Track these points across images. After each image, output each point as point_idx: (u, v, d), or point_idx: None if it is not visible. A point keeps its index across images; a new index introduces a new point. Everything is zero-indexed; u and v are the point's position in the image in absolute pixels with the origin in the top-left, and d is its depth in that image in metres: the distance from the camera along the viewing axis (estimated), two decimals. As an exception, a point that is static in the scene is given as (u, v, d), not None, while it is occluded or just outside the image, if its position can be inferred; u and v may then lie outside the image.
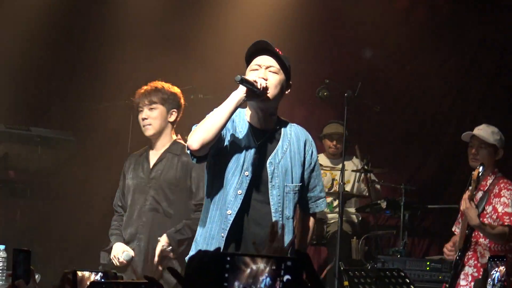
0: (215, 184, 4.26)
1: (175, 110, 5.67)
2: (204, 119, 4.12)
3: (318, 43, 8.59)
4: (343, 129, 6.73)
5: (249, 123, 4.27)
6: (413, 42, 8.54)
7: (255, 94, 4.07)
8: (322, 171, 7.38)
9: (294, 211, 4.31)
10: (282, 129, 4.33)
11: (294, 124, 4.43)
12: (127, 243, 5.56)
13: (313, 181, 4.44)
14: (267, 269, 2.30)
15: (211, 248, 4.15)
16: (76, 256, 7.85)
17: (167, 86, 5.74)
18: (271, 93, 4.11)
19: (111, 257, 5.55)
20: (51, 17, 8.64)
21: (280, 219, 4.21)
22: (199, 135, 4.08)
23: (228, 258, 2.28)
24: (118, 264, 5.49)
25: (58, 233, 8.21)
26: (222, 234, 4.12)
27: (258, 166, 4.26)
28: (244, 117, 4.29)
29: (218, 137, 4.13)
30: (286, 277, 2.29)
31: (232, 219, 4.13)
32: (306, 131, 4.45)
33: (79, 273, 3.01)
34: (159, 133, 5.68)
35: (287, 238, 4.06)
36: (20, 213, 8.16)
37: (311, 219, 4.51)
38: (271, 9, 8.33)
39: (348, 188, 7.41)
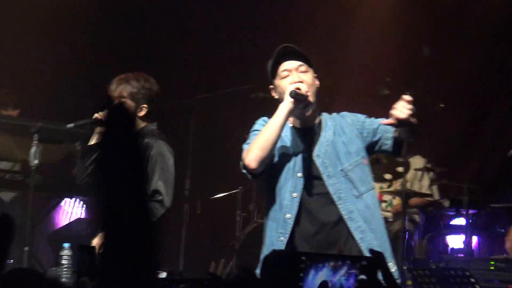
0: (271, 192, 4.30)
1: (145, 105, 5.68)
2: (256, 137, 4.17)
3: (379, 40, 8.65)
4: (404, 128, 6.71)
5: (293, 126, 4.34)
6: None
7: (301, 101, 4.12)
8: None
9: (367, 182, 4.28)
10: (323, 121, 4.38)
11: (334, 113, 4.48)
12: None
13: (381, 128, 4.34)
14: (342, 269, 2.37)
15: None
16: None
17: (141, 79, 5.75)
18: (310, 92, 4.19)
19: None
20: (111, 18, 8.89)
21: (347, 204, 4.20)
22: (256, 153, 4.14)
23: (303, 258, 2.34)
24: None
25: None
26: (282, 238, 4.15)
27: (309, 163, 4.29)
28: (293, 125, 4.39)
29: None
30: (361, 276, 2.37)
31: (291, 222, 4.16)
32: (342, 113, 4.49)
33: None
34: None
35: (367, 216, 4.12)
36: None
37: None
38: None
39: (410, 186, 7.39)
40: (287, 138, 4.37)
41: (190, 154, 8.07)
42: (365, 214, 4.22)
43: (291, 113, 4.16)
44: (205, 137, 8.56)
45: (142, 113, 5.64)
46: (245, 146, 4.24)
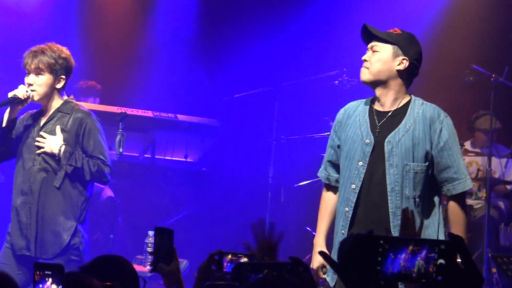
0: (341, 179, 4.45)
1: (63, 76, 5.65)
2: None
3: (463, 27, 8.74)
4: (496, 123, 7.24)
5: (374, 108, 4.40)
6: None
7: None
8: (468, 159, 7.76)
9: (420, 191, 4.29)
10: (410, 108, 4.36)
11: (427, 102, 4.43)
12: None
13: (444, 161, 4.32)
14: (421, 253, 2.31)
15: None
16: (226, 239, 8.05)
17: (57, 49, 5.70)
18: (370, 69, 4.32)
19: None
20: (203, 13, 9.38)
21: (398, 198, 4.22)
22: None
23: (381, 242, 2.32)
24: None
25: (209, 218, 8.62)
26: (343, 231, 4.24)
27: (377, 147, 4.33)
28: (369, 104, 4.45)
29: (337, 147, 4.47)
30: (440, 261, 2.31)
31: (350, 215, 4.26)
32: (439, 109, 4.42)
33: (225, 254, 3.10)
34: (46, 98, 5.69)
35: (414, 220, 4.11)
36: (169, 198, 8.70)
37: (453, 203, 4.42)
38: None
39: (495, 175, 7.67)
40: (360, 121, 4.43)
41: (274, 141, 8.17)
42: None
43: None
44: (289, 124, 8.65)
45: (60, 85, 5.63)
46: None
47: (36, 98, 5.54)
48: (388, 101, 4.38)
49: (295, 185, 8.25)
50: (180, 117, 8.39)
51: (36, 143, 5.52)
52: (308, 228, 8.05)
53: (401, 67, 4.32)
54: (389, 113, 4.39)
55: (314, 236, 7.68)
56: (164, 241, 3.34)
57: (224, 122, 8.65)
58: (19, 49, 8.85)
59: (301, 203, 8.47)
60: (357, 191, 4.25)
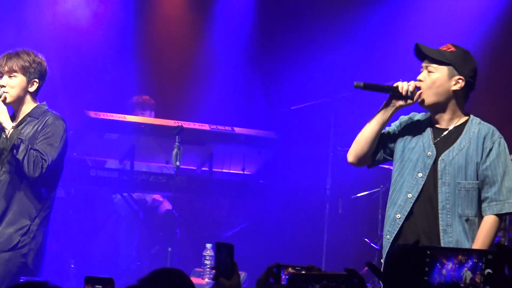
0: (392, 187, 4.58)
1: (36, 80, 5.76)
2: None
3: None
4: None
5: (432, 123, 4.50)
6: None
7: (401, 99, 4.44)
8: None
9: (474, 209, 4.41)
10: (466, 127, 4.46)
11: (485, 122, 4.52)
12: None
13: (487, 180, 4.42)
14: (468, 263, 2.36)
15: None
16: (284, 252, 8.24)
17: (31, 54, 5.81)
18: (424, 93, 4.36)
19: None
20: (259, 25, 9.55)
21: (449, 216, 4.35)
22: (353, 148, 4.61)
23: (428, 252, 2.37)
24: None
25: (266, 230, 8.75)
26: (388, 237, 4.39)
27: (432, 165, 4.43)
28: (429, 118, 4.56)
29: (389, 143, 4.53)
30: (488, 270, 2.34)
31: (401, 223, 4.38)
32: (494, 129, 4.51)
33: (284, 267, 3.07)
34: (18, 101, 5.83)
35: (461, 239, 4.35)
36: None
37: (485, 222, 4.52)
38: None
39: None
40: (420, 135, 4.53)
41: (331, 153, 8.28)
42: (460, 236, 4.40)
43: (391, 109, 4.47)
44: (346, 135, 8.63)
45: (33, 88, 5.72)
46: None
47: (8, 99, 5.69)
48: (444, 120, 4.50)
49: (353, 196, 8.37)
50: (237, 130, 8.49)
51: None
52: (366, 240, 8.19)
53: (457, 87, 4.42)
54: (446, 131, 4.51)
55: (371, 247, 7.93)
56: (224, 256, 3.36)
57: (281, 135, 8.72)
58: (77, 63, 9.23)
59: (359, 215, 8.67)
60: (413, 201, 4.35)
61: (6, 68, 5.63)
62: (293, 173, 9.02)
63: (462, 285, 2.41)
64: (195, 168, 8.66)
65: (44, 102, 5.81)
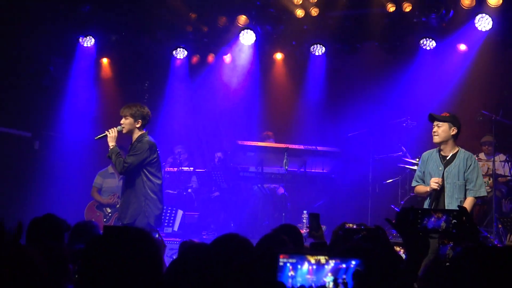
0: (424, 187, 6.55)
1: (140, 120, 7.21)
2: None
3: (477, 84, 11.10)
4: (492, 138, 9.85)
5: (439, 152, 6.70)
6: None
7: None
8: (482, 163, 10.19)
9: (462, 195, 6.53)
10: (458, 154, 6.69)
11: (466, 151, 6.78)
12: None
13: (468, 180, 6.63)
14: (443, 218, 3.01)
15: None
16: (344, 215, 8.97)
17: (138, 104, 7.32)
18: (440, 136, 6.63)
19: None
20: (331, 76, 11.81)
21: (450, 198, 6.53)
22: (416, 191, 6.62)
23: (420, 211, 3.00)
24: None
25: (336, 203, 10.80)
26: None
27: (442, 174, 6.55)
28: (437, 151, 6.72)
29: (421, 172, 6.49)
30: (454, 221, 3.01)
31: (429, 204, 6.47)
32: (471, 154, 6.77)
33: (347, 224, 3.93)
34: (130, 132, 7.31)
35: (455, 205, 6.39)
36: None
37: (467, 200, 6.64)
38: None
39: (499, 171, 10.38)
40: (434, 161, 6.73)
41: (371, 159, 10.73)
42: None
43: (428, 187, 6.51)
44: (379, 148, 10.96)
45: (138, 125, 7.16)
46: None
47: (124, 131, 7.31)
48: (447, 151, 6.69)
49: (384, 182, 10.84)
50: (319, 148, 11.05)
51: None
52: (392, 206, 10.43)
53: (454, 132, 6.72)
54: (448, 157, 6.66)
55: (395, 210, 9.52)
56: (314, 219, 4.39)
57: (343, 149, 11.18)
58: (230, 108, 11.64)
59: (387, 192, 10.77)
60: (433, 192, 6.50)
61: (122, 114, 7.34)
62: (351, 170, 11.23)
63: (440, 229, 2.98)
64: (296, 169, 10.99)
65: (147, 131, 7.25)
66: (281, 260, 2.71)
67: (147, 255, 2.54)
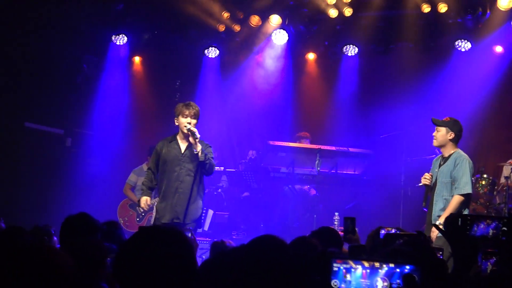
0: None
1: (195, 122, 7.59)
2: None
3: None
4: None
5: (442, 155, 7.35)
6: None
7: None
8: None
9: (449, 193, 7.09)
10: (451, 154, 7.30)
11: (461, 151, 7.27)
12: None
13: (454, 178, 7.19)
14: (493, 224, 2.94)
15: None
16: (377, 218, 9.69)
17: (196, 105, 7.62)
18: (438, 140, 7.27)
19: None
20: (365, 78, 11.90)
21: (438, 196, 7.16)
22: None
23: (469, 217, 2.90)
24: None
25: (368, 206, 10.74)
26: (424, 203, 7.29)
27: (437, 173, 7.23)
28: (441, 154, 7.34)
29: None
30: (504, 228, 2.93)
31: (426, 210, 7.22)
32: (462, 154, 7.23)
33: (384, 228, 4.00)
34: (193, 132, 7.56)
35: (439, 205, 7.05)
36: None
37: (454, 198, 7.16)
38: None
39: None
40: (438, 161, 7.37)
41: (404, 161, 10.79)
42: (445, 204, 6.99)
43: None
44: (412, 150, 11.01)
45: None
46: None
47: (184, 130, 7.59)
48: (445, 153, 7.28)
49: (416, 185, 9.15)
50: (351, 149, 11.06)
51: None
52: (423, 208, 9.25)
53: (451, 137, 7.23)
54: (446, 158, 7.28)
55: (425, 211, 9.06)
56: (350, 223, 4.45)
57: (375, 151, 11.17)
58: (261, 110, 11.76)
59: (418, 194, 8.85)
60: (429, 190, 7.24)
61: (192, 113, 7.64)
62: (383, 172, 11.14)
63: (489, 236, 2.88)
64: (328, 170, 11.00)
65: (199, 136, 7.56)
66: (335, 265, 2.78)
67: (183, 255, 2.58)
